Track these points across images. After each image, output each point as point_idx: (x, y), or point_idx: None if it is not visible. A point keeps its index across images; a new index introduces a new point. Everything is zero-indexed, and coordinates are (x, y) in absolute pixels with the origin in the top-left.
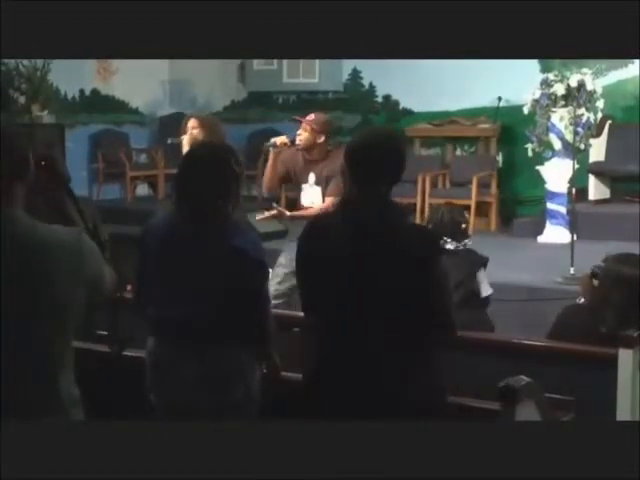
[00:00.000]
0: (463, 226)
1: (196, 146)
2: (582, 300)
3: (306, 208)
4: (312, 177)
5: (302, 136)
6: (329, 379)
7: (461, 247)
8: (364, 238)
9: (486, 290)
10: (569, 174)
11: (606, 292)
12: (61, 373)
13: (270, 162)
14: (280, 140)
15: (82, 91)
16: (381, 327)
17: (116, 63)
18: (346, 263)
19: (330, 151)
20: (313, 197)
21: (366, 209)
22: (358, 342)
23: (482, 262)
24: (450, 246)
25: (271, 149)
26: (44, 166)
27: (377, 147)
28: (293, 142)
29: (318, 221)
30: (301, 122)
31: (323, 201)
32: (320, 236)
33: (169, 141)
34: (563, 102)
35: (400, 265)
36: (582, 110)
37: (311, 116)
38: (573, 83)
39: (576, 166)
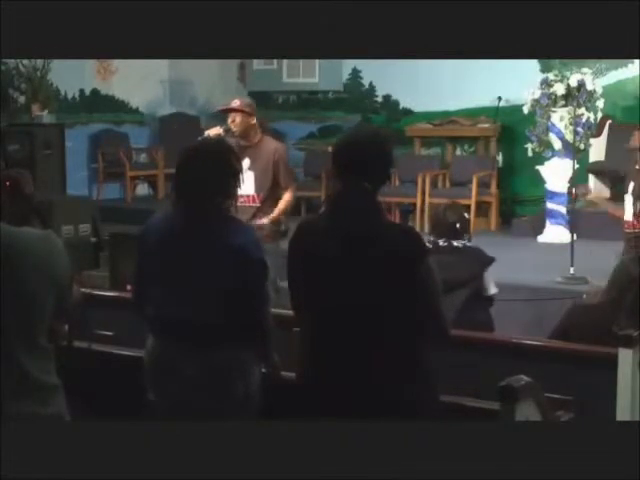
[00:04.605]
0: (457, 225)
1: (193, 144)
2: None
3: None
4: (247, 162)
5: (236, 122)
6: (319, 379)
7: (460, 245)
8: (348, 238)
9: (492, 289)
10: (569, 174)
11: (619, 293)
12: (33, 364)
13: None
14: (213, 131)
15: (82, 91)
16: (369, 328)
17: (116, 63)
18: (333, 263)
19: (262, 137)
20: (247, 182)
21: (351, 208)
22: (346, 342)
23: (489, 261)
24: (457, 244)
25: None
26: (8, 186)
27: (362, 146)
28: (228, 132)
29: (307, 221)
30: (228, 111)
31: (255, 188)
32: (309, 236)
33: None
34: (563, 102)
35: (384, 265)
36: (582, 110)
37: (236, 102)
38: (573, 83)
39: (576, 166)
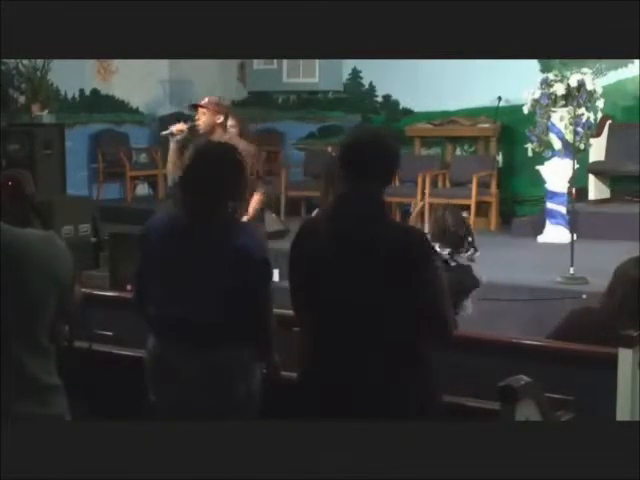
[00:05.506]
0: (460, 234)
1: (202, 146)
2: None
3: None
4: None
5: (202, 119)
6: (319, 379)
7: (454, 263)
8: (352, 238)
9: (468, 309)
10: (569, 174)
11: (622, 295)
12: (34, 365)
13: (171, 152)
14: (177, 127)
15: (82, 91)
16: (370, 328)
17: (116, 63)
18: (335, 263)
19: (230, 138)
20: None
21: (355, 209)
22: (347, 343)
23: (472, 287)
24: (448, 259)
25: (170, 138)
26: (10, 186)
27: (367, 146)
28: (192, 129)
29: (310, 221)
30: (196, 107)
31: None
32: (312, 237)
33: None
34: (563, 102)
35: (388, 266)
36: (582, 110)
37: (205, 99)
38: (573, 83)
39: (576, 166)
